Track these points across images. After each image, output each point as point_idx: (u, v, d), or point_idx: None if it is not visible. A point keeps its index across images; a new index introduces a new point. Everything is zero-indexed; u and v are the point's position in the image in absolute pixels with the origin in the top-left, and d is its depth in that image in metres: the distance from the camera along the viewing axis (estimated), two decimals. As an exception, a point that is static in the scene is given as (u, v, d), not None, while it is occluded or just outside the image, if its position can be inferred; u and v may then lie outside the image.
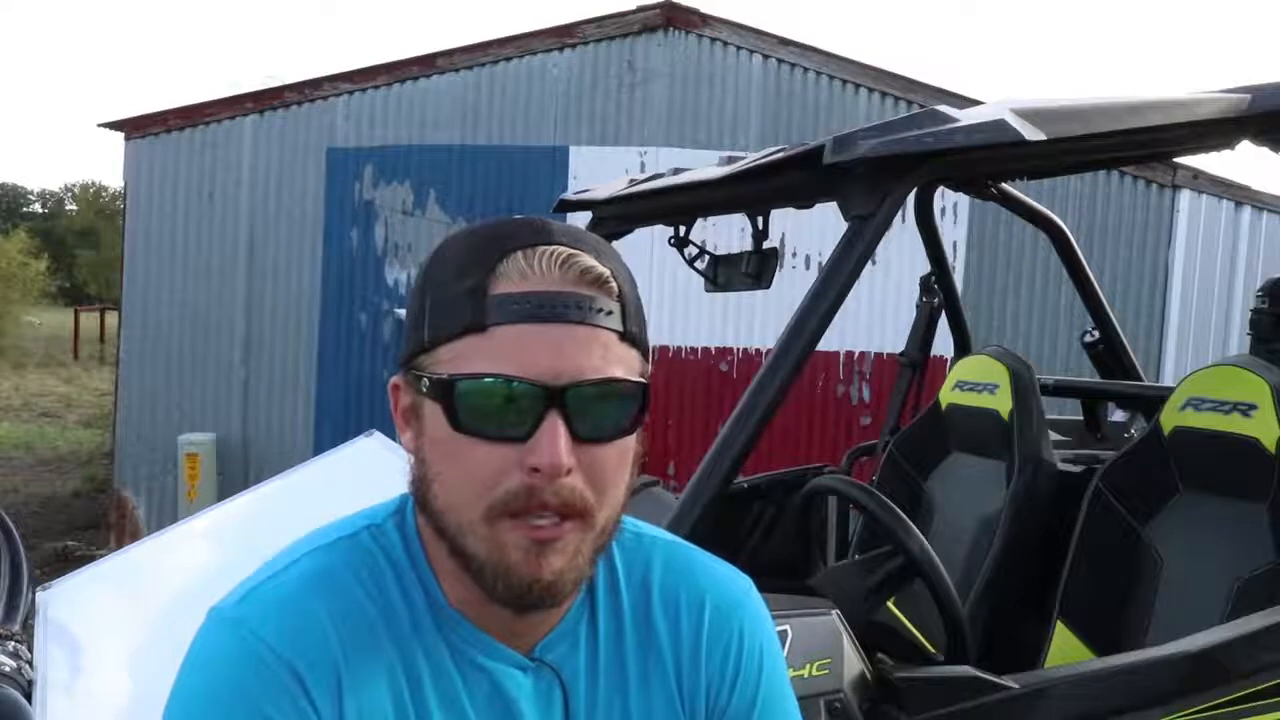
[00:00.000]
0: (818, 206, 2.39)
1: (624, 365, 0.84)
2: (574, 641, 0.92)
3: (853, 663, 1.82)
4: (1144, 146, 2.40)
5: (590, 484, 0.82)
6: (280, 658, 0.82)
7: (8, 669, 1.77)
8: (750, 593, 1.02)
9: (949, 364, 3.45)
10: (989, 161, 2.26)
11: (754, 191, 2.32)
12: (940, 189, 3.63)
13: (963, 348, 3.54)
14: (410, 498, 0.93)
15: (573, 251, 0.83)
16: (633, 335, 0.85)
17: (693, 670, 0.96)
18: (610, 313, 0.83)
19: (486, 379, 0.80)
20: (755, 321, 7.55)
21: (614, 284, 0.84)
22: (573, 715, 0.91)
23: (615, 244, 3.09)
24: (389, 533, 0.91)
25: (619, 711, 0.93)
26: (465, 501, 0.82)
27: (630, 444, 0.86)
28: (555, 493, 0.81)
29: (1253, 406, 2.31)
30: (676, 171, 2.51)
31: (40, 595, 2.06)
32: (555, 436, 0.80)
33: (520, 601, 0.84)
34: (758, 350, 7.59)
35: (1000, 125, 1.86)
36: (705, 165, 2.81)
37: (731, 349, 7.68)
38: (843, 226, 1.92)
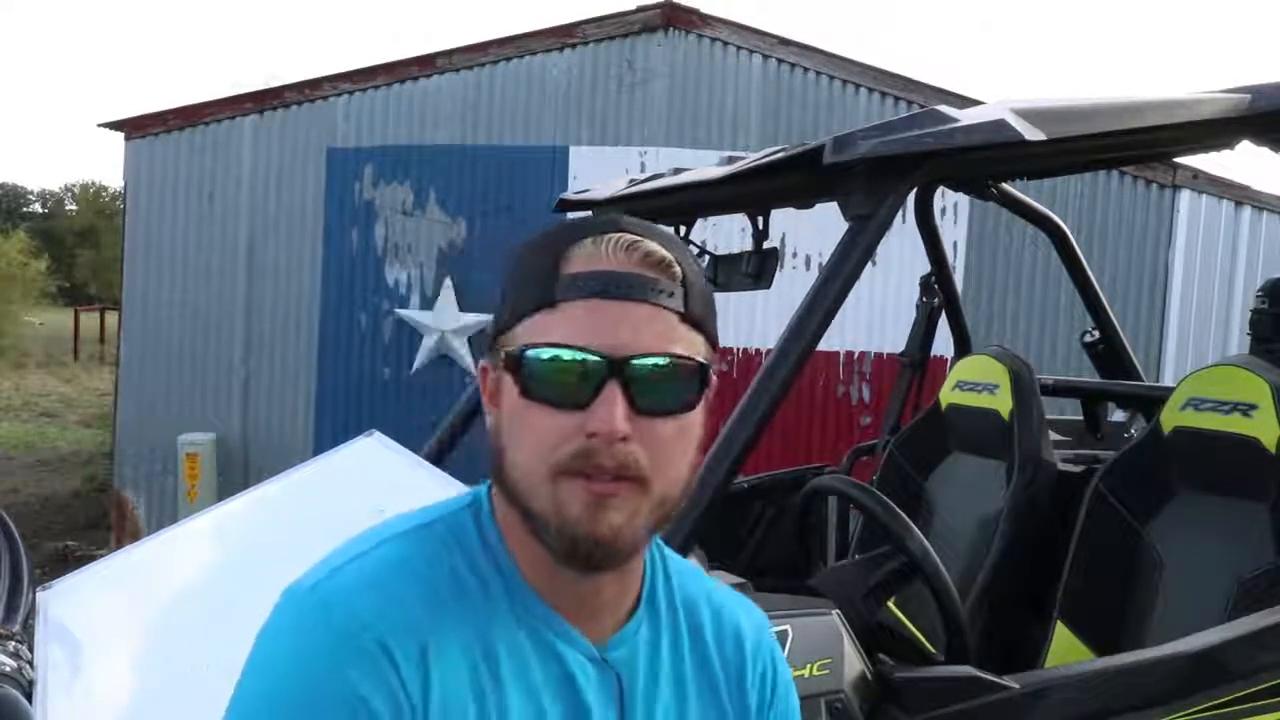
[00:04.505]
0: (818, 206, 2.39)
1: (686, 345, 0.88)
2: (635, 645, 0.96)
3: (853, 663, 1.82)
4: (1144, 146, 2.41)
5: (648, 452, 0.86)
6: (369, 631, 0.83)
7: (8, 669, 1.77)
8: (769, 622, 1.11)
9: (949, 364, 3.45)
10: (989, 161, 2.26)
11: (754, 191, 2.32)
12: (940, 189, 3.63)
13: (963, 348, 3.54)
14: (484, 490, 0.97)
15: (638, 238, 0.89)
16: (695, 318, 0.89)
17: (739, 693, 1.02)
18: (672, 294, 0.88)
19: (552, 349, 0.86)
20: (755, 321, 7.55)
21: (677, 269, 0.89)
22: (628, 716, 0.94)
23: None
24: (465, 523, 0.94)
25: None
26: (531, 463, 0.87)
27: (691, 422, 0.90)
28: (612, 456, 0.85)
29: (1253, 406, 2.32)
30: (676, 171, 2.51)
31: (40, 595, 2.06)
32: (612, 404, 0.84)
33: (577, 554, 0.87)
34: (758, 350, 7.58)
35: (1000, 125, 1.86)
36: (705, 165, 2.81)
37: (731, 349, 7.68)
38: (843, 226, 1.92)
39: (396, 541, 0.92)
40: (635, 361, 0.85)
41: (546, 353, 0.86)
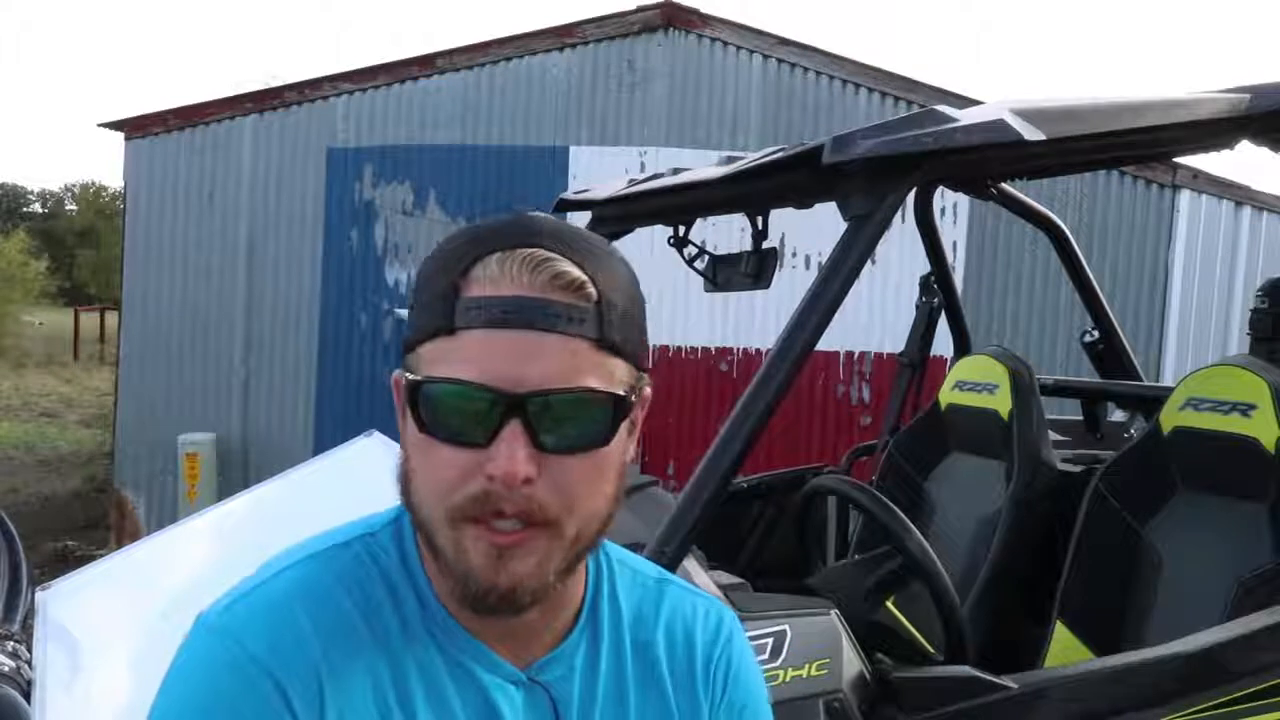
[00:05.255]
0: (817, 206, 2.39)
1: (599, 375, 0.81)
2: (570, 667, 0.92)
3: (852, 662, 1.82)
4: (1144, 146, 2.41)
5: (556, 494, 0.80)
6: (262, 667, 0.81)
7: (7, 669, 1.78)
8: (736, 621, 1.04)
9: (949, 364, 3.45)
10: (989, 161, 2.26)
11: (753, 191, 2.32)
12: (940, 189, 3.63)
13: (963, 348, 3.54)
14: None
15: (549, 256, 0.81)
16: (612, 343, 0.82)
17: (690, 699, 0.97)
18: (583, 320, 0.80)
19: (448, 384, 0.80)
20: (755, 321, 7.55)
21: (590, 289, 0.81)
22: None
23: (616, 244, 3.06)
24: (384, 540, 0.90)
25: None
26: (431, 501, 0.82)
27: (606, 455, 0.83)
28: (513, 501, 0.79)
29: (1252, 406, 2.32)
30: (676, 171, 2.51)
31: (40, 595, 2.06)
32: (513, 446, 0.78)
33: (478, 605, 0.83)
34: (758, 350, 7.59)
35: (1000, 125, 1.86)
36: (705, 165, 2.81)
37: (731, 349, 7.68)
38: (843, 226, 1.92)
39: (305, 565, 0.88)
40: (537, 398, 0.78)
41: (441, 388, 0.80)
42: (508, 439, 0.78)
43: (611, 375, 0.82)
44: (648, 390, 0.88)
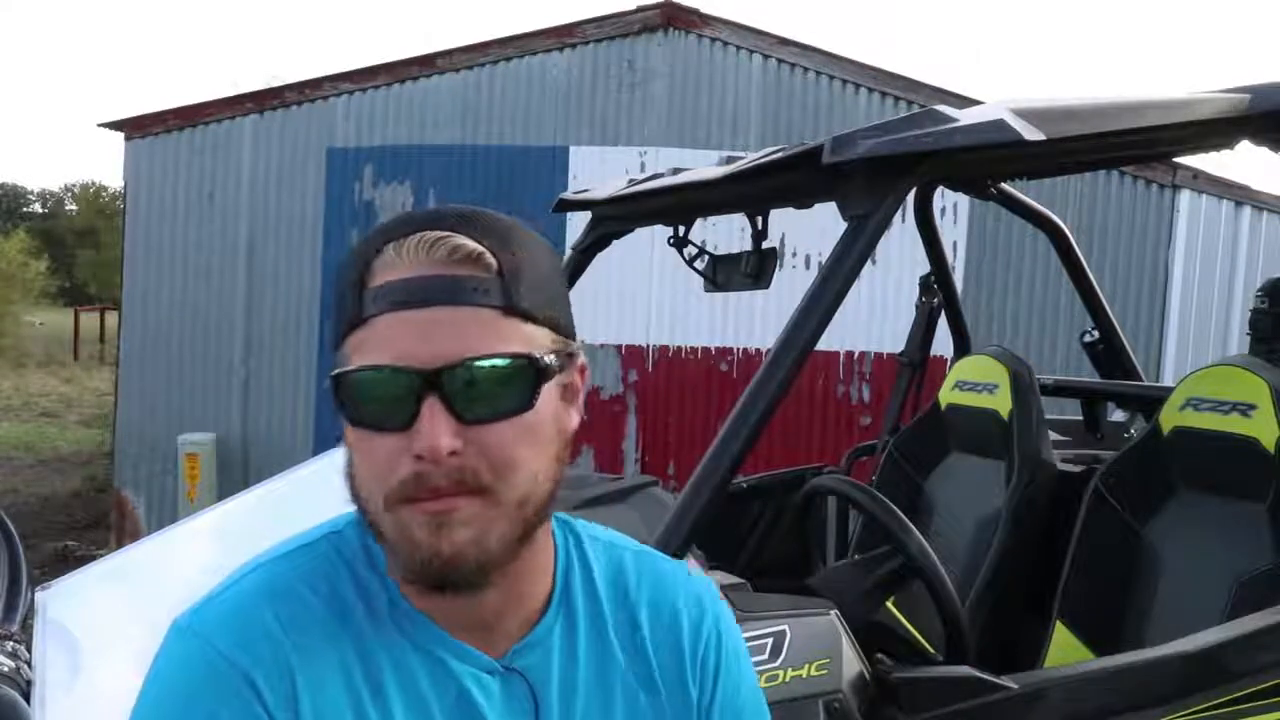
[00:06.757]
0: (817, 206, 2.39)
1: (512, 342, 0.82)
2: (547, 649, 0.92)
3: (852, 663, 1.82)
4: (1144, 146, 2.41)
5: (486, 461, 0.81)
6: (234, 665, 0.83)
7: (6, 669, 1.78)
8: (718, 594, 1.04)
9: (949, 364, 3.45)
10: (988, 161, 2.26)
11: (753, 191, 2.32)
12: (940, 189, 3.63)
13: (962, 348, 3.54)
14: None
15: (443, 234, 0.82)
16: (523, 310, 0.83)
17: (678, 679, 0.96)
18: (487, 290, 0.81)
19: (362, 371, 0.81)
20: (755, 321, 7.55)
21: (490, 259, 0.82)
22: None
23: (616, 243, 3.06)
24: (349, 538, 0.91)
25: None
26: (371, 491, 0.83)
27: (535, 420, 0.83)
28: (446, 475, 0.80)
29: (1252, 406, 2.32)
30: (676, 171, 2.51)
31: (40, 595, 2.07)
32: (433, 421, 0.79)
33: (429, 578, 0.83)
34: (758, 350, 7.58)
35: (999, 125, 1.86)
36: (705, 165, 2.81)
37: (731, 349, 7.68)
38: (843, 226, 1.92)
39: (272, 565, 0.90)
40: (450, 371, 0.79)
41: (357, 376, 0.81)
42: (427, 415, 0.79)
43: (528, 341, 0.83)
44: (582, 358, 0.89)
